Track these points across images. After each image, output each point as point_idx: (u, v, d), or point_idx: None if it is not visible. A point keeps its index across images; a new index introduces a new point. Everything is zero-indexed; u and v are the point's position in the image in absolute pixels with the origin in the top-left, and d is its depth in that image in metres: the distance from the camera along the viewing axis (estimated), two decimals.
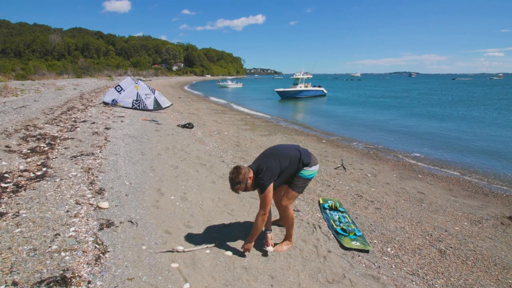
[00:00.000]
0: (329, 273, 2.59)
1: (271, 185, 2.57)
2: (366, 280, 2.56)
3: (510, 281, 2.75)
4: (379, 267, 2.79)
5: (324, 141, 9.51)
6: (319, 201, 4.18)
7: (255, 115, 15.16)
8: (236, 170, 2.54)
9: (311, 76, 32.35)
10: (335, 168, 6.14)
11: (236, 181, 2.52)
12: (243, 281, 2.35)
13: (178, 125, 9.10)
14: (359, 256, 2.94)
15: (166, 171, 4.61)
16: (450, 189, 5.59)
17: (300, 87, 29.57)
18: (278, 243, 2.94)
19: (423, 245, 3.30)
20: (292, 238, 2.96)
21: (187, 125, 9.02)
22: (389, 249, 3.13)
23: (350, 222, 3.57)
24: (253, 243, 2.72)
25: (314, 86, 31.22)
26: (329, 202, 4.08)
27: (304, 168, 2.74)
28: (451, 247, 3.29)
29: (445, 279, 2.71)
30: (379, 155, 8.05)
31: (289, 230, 2.92)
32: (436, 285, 2.61)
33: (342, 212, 3.84)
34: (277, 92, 28.42)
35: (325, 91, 32.33)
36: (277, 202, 3.04)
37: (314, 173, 2.81)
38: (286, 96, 28.62)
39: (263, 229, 2.76)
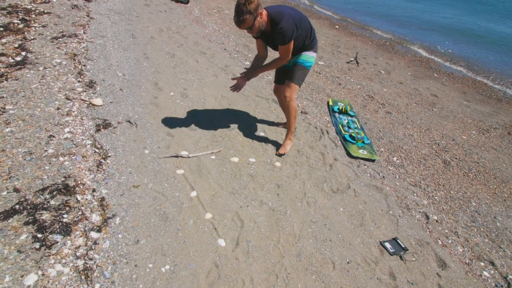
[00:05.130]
0: (334, 182, 2.61)
1: (292, 42, 2.32)
2: (369, 191, 2.60)
3: (505, 195, 2.84)
4: (383, 177, 2.81)
5: (337, 26, 8.45)
6: (328, 102, 3.93)
7: None
8: None
9: None
10: (347, 62, 5.62)
11: (246, 9, 2.10)
12: (249, 190, 2.35)
13: None
14: (364, 165, 2.92)
15: (162, 61, 4.14)
16: (464, 92, 5.30)
17: None
18: (280, 146, 2.87)
19: (429, 155, 3.27)
20: (292, 135, 2.86)
21: None
22: (395, 159, 3.11)
23: (359, 128, 3.44)
24: (254, 77, 2.69)
25: None
26: (339, 104, 3.84)
27: (306, 52, 2.51)
28: (456, 158, 3.28)
29: (445, 191, 2.78)
30: (395, 47, 7.31)
31: (291, 124, 2.77)
32: (436, 197, 2.69)
33: (351, 116, 3.65)
34: None
35: None
36: (280, 99, 2.82)
37: (313, 61, 2.59)
38: None
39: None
